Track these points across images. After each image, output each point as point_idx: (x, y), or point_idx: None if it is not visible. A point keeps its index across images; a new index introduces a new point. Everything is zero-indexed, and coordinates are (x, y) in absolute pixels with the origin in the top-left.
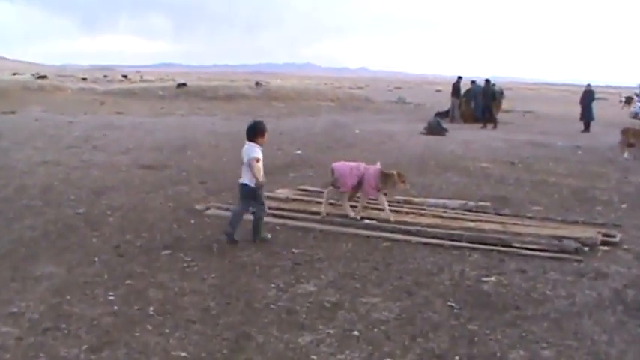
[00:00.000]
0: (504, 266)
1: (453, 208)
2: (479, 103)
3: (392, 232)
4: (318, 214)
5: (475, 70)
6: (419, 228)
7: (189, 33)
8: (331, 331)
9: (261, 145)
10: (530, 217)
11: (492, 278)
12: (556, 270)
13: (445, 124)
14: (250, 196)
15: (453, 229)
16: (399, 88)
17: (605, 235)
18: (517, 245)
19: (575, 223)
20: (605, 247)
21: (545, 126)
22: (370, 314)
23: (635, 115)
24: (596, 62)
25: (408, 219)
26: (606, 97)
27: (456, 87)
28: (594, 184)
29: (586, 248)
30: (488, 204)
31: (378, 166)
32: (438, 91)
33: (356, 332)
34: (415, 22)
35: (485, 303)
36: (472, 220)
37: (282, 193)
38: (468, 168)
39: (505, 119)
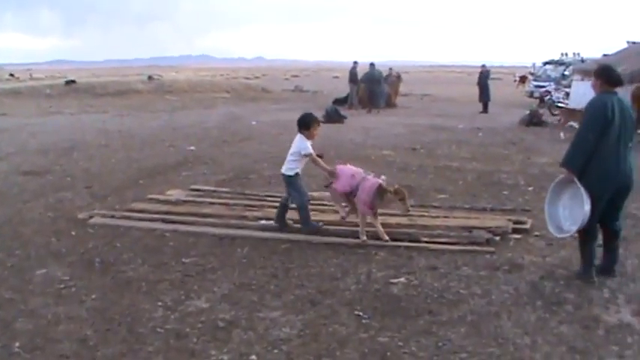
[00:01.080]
0: (413, 264)
1: None
2: (378, 88)
3: (291, 232)
4: (211, 215)
5: (372, 55)
6: (320, 226)
7: (80, 28)
8: (225, 357)
9: (308, 138)
10: (437, 207)
11: (402, 279)
12: (468, 264)
13: (344, 111)
14: (290, 185)
15: (356, 226)
16: (296, 76)
17: (515, 222)
18: (426, 240)
19: (484, 210)
20: (517, 236)
21: (444, 108)
22: (269, 332)
23: (531, 94)
24: (489, 43)
25: None
26: (501, 77)
27: (352, 73)
28: (499, 167)
29: (497, 238)
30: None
31: (380, 179)
32: (336, 77)
33: (254, 356)
34: (310, 9)
35: (395, 309)
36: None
37: (173, 194)
38: (369, 157)
39: (404, 103)
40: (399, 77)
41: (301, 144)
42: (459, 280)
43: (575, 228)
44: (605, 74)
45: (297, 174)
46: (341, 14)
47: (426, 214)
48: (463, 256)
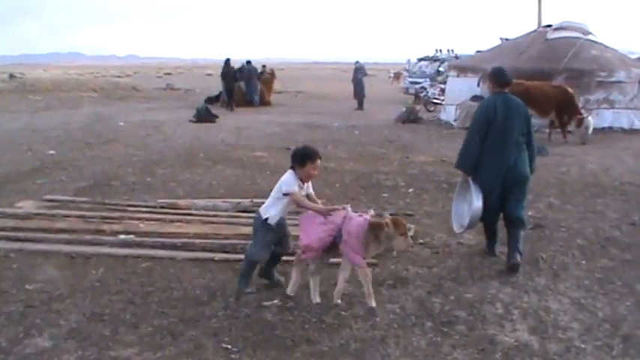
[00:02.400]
0: (288, 282)
1: (225, 210)
2: (252, 85)
3: (153, 247)
4: (64, 231)
5: (247, 53)
6: (186, 240)
7: None
8: None
9: (302, 179)
10: None
11: (275, 301)
12: (349, 280)
13: (217, 110)
14: (255, 231)
15: (226, 238)
16: (169, 74)
17: None
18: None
19: (364, 213)
20: None
21: (319, 106)
22: None
23: (406, 90)
24: (364, 40)
25: (172, 229)
26: (375, 73)
27: (225, 70)
28: (377, 168)
29: None
30: (265, 201)
31: (368, 215)
32: (209, 75)
33: None
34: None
35: (269, 339)
36: (247, 225)
37: (23, 206)
38: (241, 158)
39: (278, 100)
40: (272, 74)
41: (286, 179)
42: (339, 300)
43: (467, 222)
44: (493, 77)
45: (267, 220)
46: (218, 10)
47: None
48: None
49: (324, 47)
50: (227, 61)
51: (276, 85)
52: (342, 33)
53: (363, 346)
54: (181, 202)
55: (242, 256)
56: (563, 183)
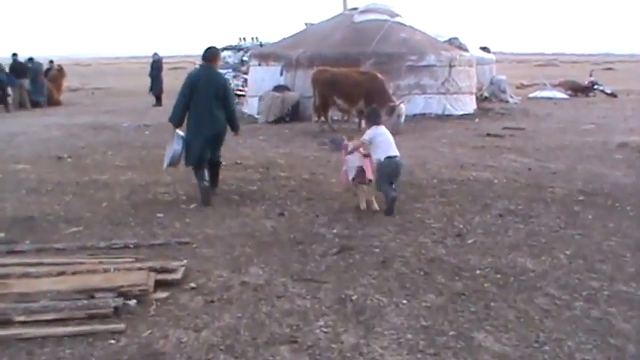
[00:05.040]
0: None
1: None
2: (38, 84)
3: None
4: None
5: (45, 48)
6: None
7: None
8: None
9: None
10: (60, 250)
11: None
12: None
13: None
14: None
15: None
16: None
17: (161, 270)
18: (22, 320)
19: (126, 248)
20: (163, 294)
21: (116, 103)
22: None
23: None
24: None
25: None
26: (186, 66)
27: (14, 68)
28: (158, 178)
29: (133, 302)
30: (1, 234)
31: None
32: None
33: None
34: None
35: None
36: None
37: None
38: None
39: (72, 99)
40: (61, 70)
41: None
42: None
43: (168, 161)
44: (203, 55)
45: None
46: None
47: (32, 270)
48: (75, 344)
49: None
50: (30, 59)
51: (74, 82)
52: (159, 26)
53: None
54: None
55: None
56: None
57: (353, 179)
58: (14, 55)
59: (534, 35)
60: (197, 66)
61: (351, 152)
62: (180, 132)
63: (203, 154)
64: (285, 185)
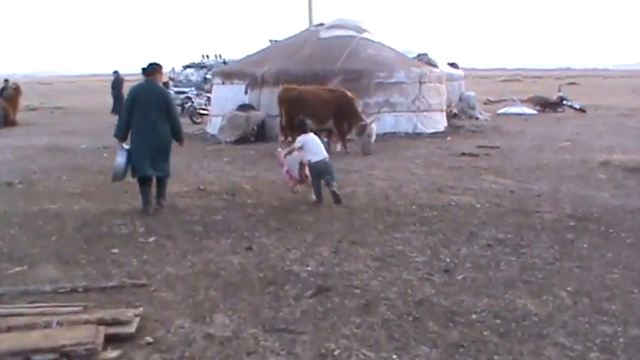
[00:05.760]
0: None
1: None
2: None
3: None
4: None
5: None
6: None
7: None
8: None
9: None
10: None
11: None
12: None
13: None
14: None
15: None
16: None
17: (112, 322)
18: None
19: (74, 291)
20: (114, 353)
21: (76, 123)
22: None
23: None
24: (131, 49)
25: None
26: None
27: None
28: (115, 206)
29: None
30: None
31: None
32: None
33: None
34: None
35: None
36: None
37: None
38: None
39: (30, 119)
40: (17, 89)
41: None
42: None
43: (113, 174)
44: (143, 69)
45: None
46: None
47: None
48: None
49: (100, 57)
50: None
51: (34, 101)
52: (120, 42)
53: None
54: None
55: None
56: (351, 212)
57: (300, 175)
58: None
59: (493, 50)
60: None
61: (288, 153)
62: (125, 145)
63: (147, 166)
64: (252, 214)
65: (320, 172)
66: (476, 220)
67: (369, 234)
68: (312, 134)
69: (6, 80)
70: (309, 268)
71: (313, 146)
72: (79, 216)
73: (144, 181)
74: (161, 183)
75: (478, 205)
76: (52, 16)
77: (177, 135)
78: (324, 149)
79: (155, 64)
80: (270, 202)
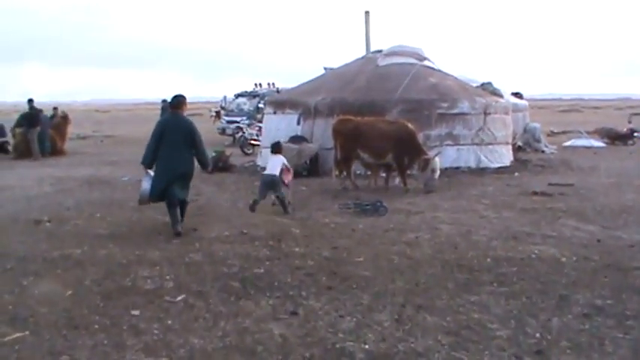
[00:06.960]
0: None
1: None
2: (44, 131)
3: None
4: None
5: (59, 95)
6: None
7: None
8: None
9: None
10: None
11: None
12: None
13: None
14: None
15: None
16: None
17: None
18: None
19: None
20: None
21: (122, 153)
22: None
23: (223, 131)
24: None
25: None
26: (203, 112)
27: (27, 115)
28: (146, 252)
29: None
30: None
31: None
32: None
33: None
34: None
35: None
36: None
37: None
38: None
39: (78, 148)
40: (65, 118)
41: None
42: None
43: (139, 198)
44: (170, 102)
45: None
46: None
47: None
48: None
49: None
50: (30, 101)
51: (86, 130)
52: (172, 71)
53: None
54: None
55: None
56: (414, 264)
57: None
58: (30, 101)
59: (548, 78)
60: (213, 113)
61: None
62: (151, 172)
63: (168, 190)
64: (299, 267)
65: (266, 185)
66: (564, 279)
67: (438, 296)
68: (280, 155)
69: (55, 108)
70: (367, 346)
71: (270, 164)
72: (102, 264)
73: (169, 205)
74: (181, 208)
75: (564, 259)
76: (112, 44)
77: (203, 163)
78: (276, 166)
79: (180, 96)
80: (321, 252)
